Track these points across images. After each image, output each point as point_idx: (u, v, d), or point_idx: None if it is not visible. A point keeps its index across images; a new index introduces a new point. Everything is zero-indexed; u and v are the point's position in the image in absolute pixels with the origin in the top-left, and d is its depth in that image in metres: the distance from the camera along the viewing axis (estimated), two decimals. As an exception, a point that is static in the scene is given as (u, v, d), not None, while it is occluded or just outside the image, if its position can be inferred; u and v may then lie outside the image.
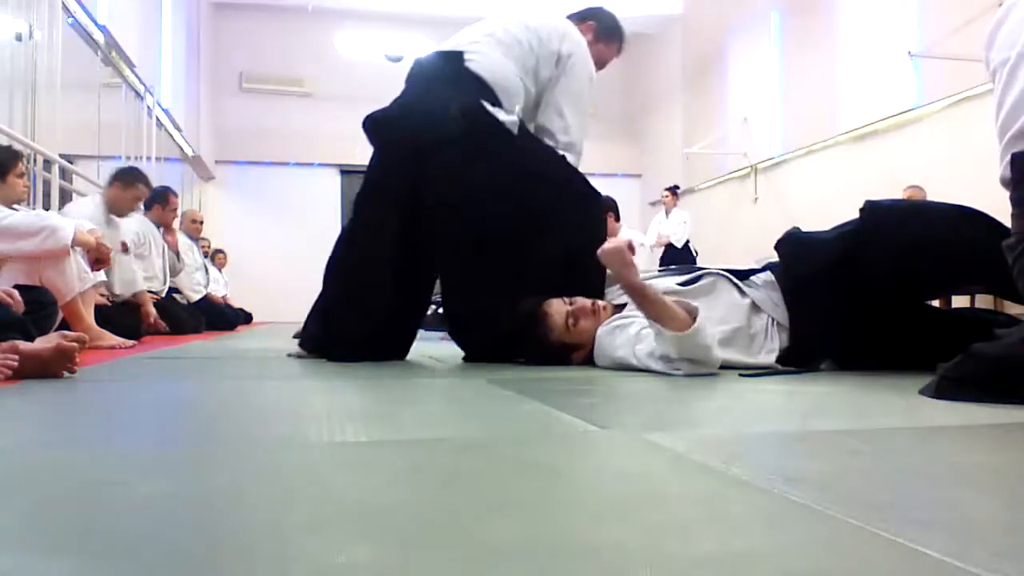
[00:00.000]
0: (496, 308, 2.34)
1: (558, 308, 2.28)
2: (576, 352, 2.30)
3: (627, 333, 2.15)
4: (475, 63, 2.49)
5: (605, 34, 2.88)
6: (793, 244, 2.33)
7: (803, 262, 2.25)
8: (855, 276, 2.11)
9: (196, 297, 6.17)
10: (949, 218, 2.17)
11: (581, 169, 2.67)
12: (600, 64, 2.84)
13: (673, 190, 8.59)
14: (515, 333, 2.31)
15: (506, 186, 2.42)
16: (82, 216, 4.17)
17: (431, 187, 2.43)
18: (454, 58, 2.54)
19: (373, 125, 2.59)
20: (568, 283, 2.36)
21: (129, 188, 4.46)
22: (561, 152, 2.57)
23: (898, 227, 2.14)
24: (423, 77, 2.61)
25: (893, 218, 2.19)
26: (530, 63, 2.57)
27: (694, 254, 8.15)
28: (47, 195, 4.81)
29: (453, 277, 2.59)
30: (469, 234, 2.45)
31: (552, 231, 2.46)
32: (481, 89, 2.44)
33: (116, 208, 4.45)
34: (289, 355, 2.72)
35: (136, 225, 5.17)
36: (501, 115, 2.41)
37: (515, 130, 2.43)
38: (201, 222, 6.93)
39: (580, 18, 2.87)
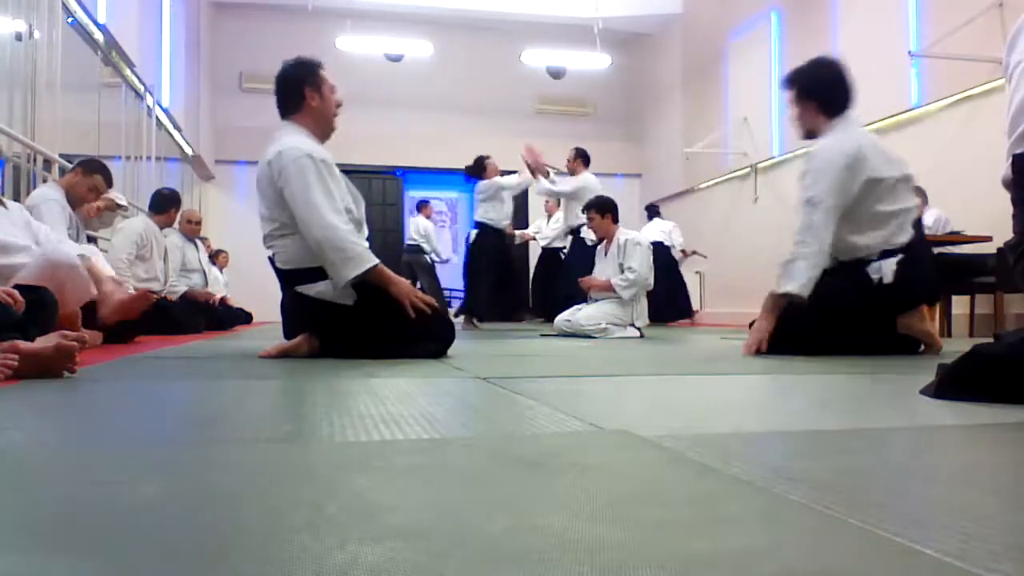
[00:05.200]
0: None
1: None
2: None
3: None
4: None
5: (308, 72, 2.96)
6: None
7: None
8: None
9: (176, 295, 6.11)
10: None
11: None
12: (322, 112, 2.95)
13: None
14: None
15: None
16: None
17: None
18: None
19: None
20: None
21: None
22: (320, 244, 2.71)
23: None
24: None
25: None
26: (270, 193, 2.77)
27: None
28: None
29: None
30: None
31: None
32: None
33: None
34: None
35: (140, 226, 5.20)
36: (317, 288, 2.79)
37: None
38: (197, 222, 6.78)
39: (289, 106, 2.94)
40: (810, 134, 3.22)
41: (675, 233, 8.84)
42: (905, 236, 3.04)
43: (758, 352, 3.00)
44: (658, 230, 8.73)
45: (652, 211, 9.30)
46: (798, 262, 3.01)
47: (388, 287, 2.75)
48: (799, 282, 2.99)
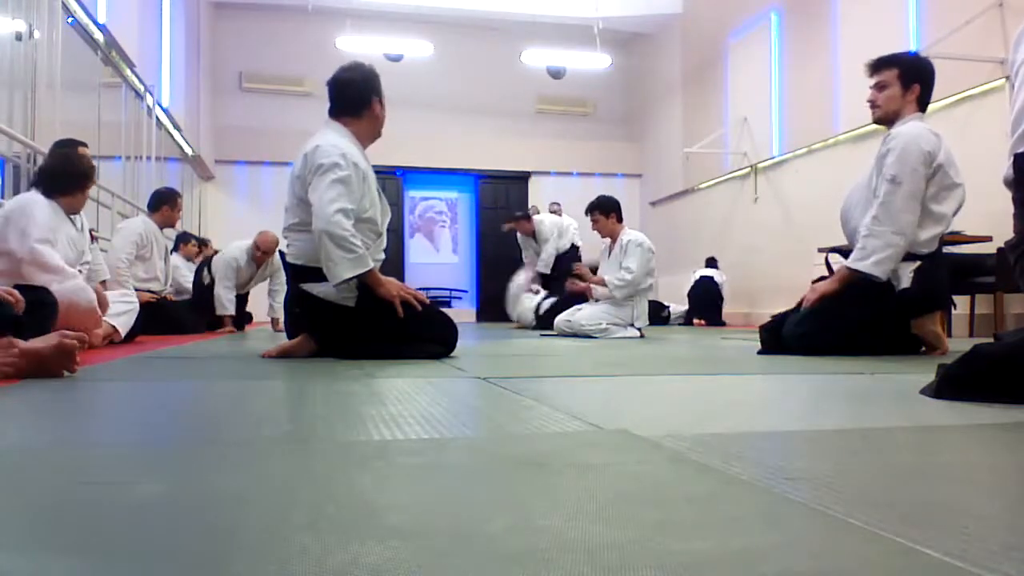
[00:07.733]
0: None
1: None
2: None
3: None
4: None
5: (377, 80, 3.01)
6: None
7: None
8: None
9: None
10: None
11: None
12: (379, 121, 3.03)
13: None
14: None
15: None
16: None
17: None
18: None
19: None
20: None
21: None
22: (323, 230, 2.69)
23: None
24: None
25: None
26: (297, 187, 2.82)
27: None
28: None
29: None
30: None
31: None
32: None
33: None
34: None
35: (139, 226, 5.19)
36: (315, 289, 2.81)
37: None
38: (264, 251, 6.13)
39: (348, 108, 2.96)
40: (886, 119, 3.15)
41: (726, 285, 8.89)
42: (932, 247, 3.07)
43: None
44: (715, 272, 8.93)
45: (709, 261, 9.23)
46: (870, 239, 2.97)
47: (376, 289, 2.75)
48: (868, 261, 2.96)
